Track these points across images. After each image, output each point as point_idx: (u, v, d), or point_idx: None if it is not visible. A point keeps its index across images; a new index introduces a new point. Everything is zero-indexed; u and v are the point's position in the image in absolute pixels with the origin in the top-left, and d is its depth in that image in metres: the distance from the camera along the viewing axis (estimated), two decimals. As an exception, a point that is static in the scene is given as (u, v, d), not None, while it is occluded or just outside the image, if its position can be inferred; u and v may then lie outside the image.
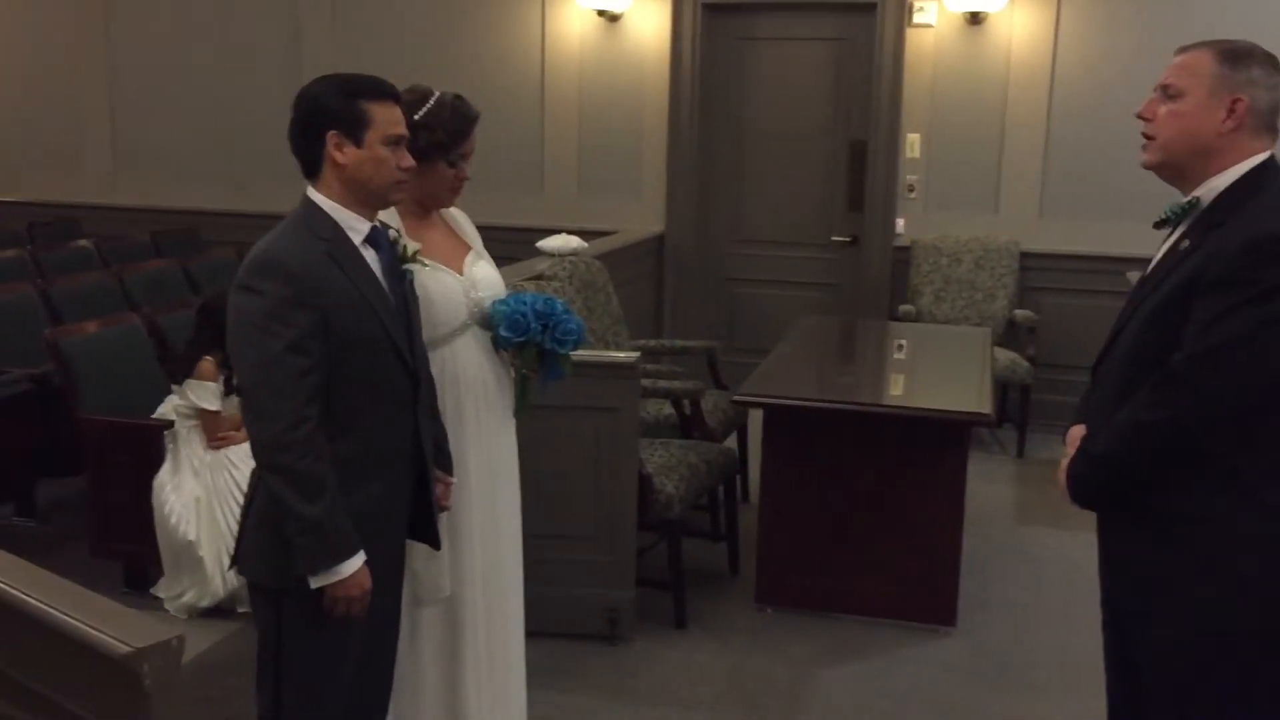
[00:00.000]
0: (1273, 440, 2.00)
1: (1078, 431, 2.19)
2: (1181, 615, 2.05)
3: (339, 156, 2.23)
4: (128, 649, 1.50)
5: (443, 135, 2.57)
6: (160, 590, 3.88)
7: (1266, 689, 2.05)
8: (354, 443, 2.25)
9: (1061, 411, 2.25)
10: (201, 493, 3.80)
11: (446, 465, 2.55)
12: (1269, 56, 2.07)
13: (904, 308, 6.21)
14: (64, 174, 7.80)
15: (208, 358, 3.88)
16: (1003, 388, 5.92)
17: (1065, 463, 2.19)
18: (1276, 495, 2.00)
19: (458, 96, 2.65)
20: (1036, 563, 4.52)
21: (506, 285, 2.77)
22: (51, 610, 1.60)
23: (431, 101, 2.60)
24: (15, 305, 4.95)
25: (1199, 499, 2.02)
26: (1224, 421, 1.98)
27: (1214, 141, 2.06)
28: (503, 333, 2.60)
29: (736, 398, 4.01)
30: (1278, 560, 2.01)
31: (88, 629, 1.55)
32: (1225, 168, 2.06)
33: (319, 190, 2.27)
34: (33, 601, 1.62)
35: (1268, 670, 2.06)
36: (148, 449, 3.88)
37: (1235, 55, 2.05)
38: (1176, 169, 2.12)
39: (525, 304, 2.61)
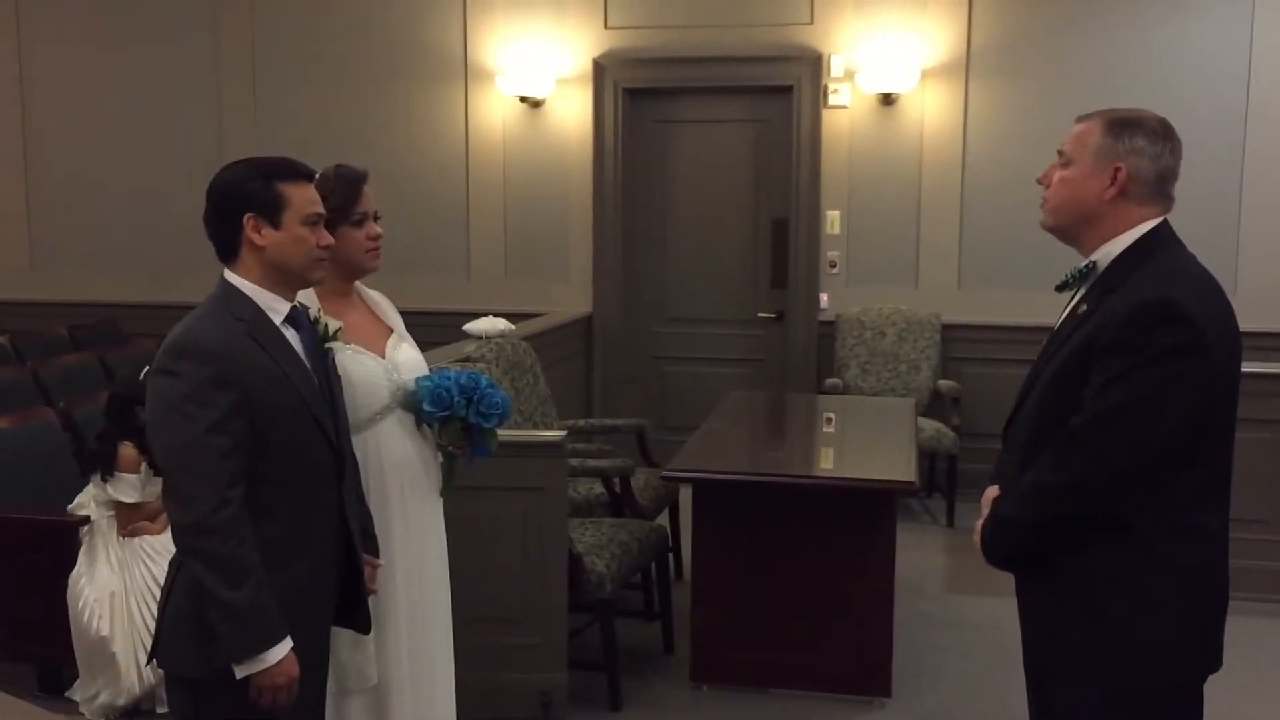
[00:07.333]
0: (1173, 499, 2.03)
1: (992, 493, 2.23)
2: (1096, 673, 2.07)
3: (257, 239, 2.23)
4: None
5: (337, 200, 2.57)
6: (75, 693, 3.73)
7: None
8: (279, 523, 2.22)
9: (987, 480, 2.29)
10: (117, 587, 3.69)
11: (372, 548, 2.51)
12: (1160, 125, 2.14)
13: (831, 381, 6.29)
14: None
15: (127, 444, 3.80)
16: (930, 458, 5.99)
17: (980, 524, 2.22)
18: (1181, 553, 2.04)
19: (339, 165, 2.67)
20: (969, 630, 4.53)
21: (432, 368, 2.76)
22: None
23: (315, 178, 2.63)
24: (-76, 403, 4.82)
25: (1105, 558, 2.05)
26: (1124, 482, 2.02)
27: (1097, 208, 2.13)
28: (426, 407, 2.59)
29: (665, 473, 4.01)
30: (1185, 616, 2.04)
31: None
32: (1115, 233, 2.12)
33: (237, 272, 2.26)
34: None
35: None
36: (61, 546, 3.77)
37: (1122, 124, 2.12)
38: (1068, 233, 2.20)
39: (449, 379, 2.60)
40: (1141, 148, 2.11)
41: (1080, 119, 2.20)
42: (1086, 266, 2.16)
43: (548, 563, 3.65)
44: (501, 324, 5.09)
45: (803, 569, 3.91)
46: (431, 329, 4.02)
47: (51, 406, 4.68)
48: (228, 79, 7.19)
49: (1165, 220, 2.14)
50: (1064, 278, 2.21)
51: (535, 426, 4.55)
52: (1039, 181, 2.23)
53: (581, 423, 5.32)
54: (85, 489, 3.90)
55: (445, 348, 4.75)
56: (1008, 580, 2.28)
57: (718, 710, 3.86)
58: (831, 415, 5.23)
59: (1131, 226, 2.12)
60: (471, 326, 5.02)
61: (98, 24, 7.35)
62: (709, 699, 3.94)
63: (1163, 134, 2.13)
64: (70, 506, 3.88)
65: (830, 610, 3.89)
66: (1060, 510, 2.07)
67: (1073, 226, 2.17)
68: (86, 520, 3.78)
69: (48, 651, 3.81)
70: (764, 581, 3.94)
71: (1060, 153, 2.18)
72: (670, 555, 4.53)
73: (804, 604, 3.91)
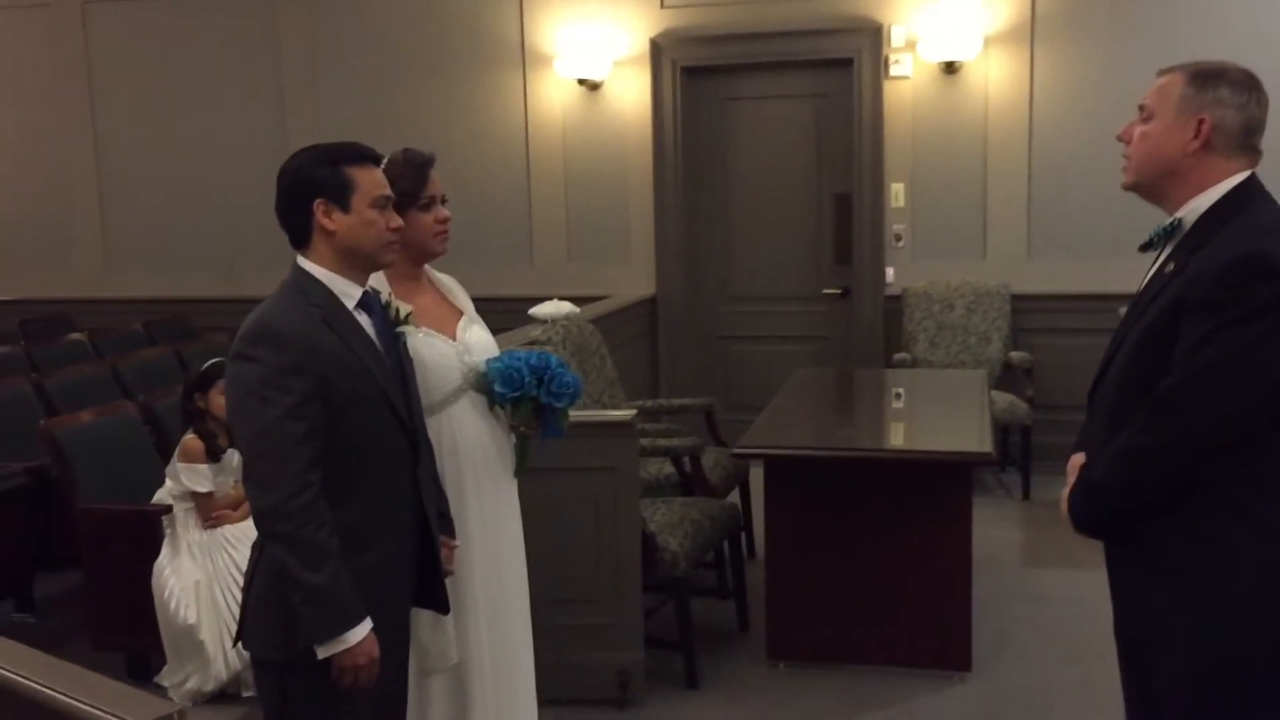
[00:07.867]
0: (1268, 460, 1.96)
1: (1078, 459, 2.17)
2: (1191, 642, 2.01)
3: (328, 223, 2.25)
4: (128, 726, 1.47)
5: (405, 185, 2.58)
6: (164, 679, 3.81)
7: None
8: (355, 507, 2.24)
9: (1063, 451, 2.23)
10: (201, 575, 3.76)
11: (449, 529, 2.52)
12: (1245, 76, 2.07)
13: (899, 355, 6.22)
14: (54, 271, 7.84)
15: (191, 435, 3.87)
16: (1004, 430, 5.90)
17: (1066, 492, 2.16)
18: (1276, 515, 1.96)
19: (406, 149, 2.68)
20: (1049, 603, 4.46)
21: (501, 350, 2.76)
22: (51, 692, 1.57)
23: (383, 162, 2.63)
24: (10, 400, 4.94)
25: (1198, 523, 1.99)
26: (1217, 444, 1.96)
27: (1182, 162, 2.06)
28: (497, 388, 2.59)
29: (736, 450, 3.99)
30: (1273, 578, 1.97)
31: (88, 708, 1.51)
32: (1201, 188, 2.05)
33: (309, 258, 2.28)
34: (31, 684, 1.59)
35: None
36: (145, 536, 3.84)
37: (1205, 76, 2.06)
38: (1151, 190, 2.13)
39: (520, 359, 2.60)
40: (1226, 98, 2.04)
41: (1162, 72, 2.13)
42: (1171, 224, 2.09)
43: (621, 542, 3.65)
44: (566, 307, 5.10)
45: (879, 544, 3.87)
46: (496, 315, 3.99)
47: (131, 400, 4.78)
48: (288, 73, 7.27)
49: (1254, 174, 2.07)
50: (1148, 237, 2.15)
51: (603, 408, 4.56)
52: (1119, 138, 2.16)
53: (649, 403, 5.31)
54: (166, 483, 3.98)
55: (511, 332, 4.77)
56: (1086, 553, 2.23)
57: (795, 687, 3.84)
58: (901, 390, 5.16)
59: (1218, 181, 2.04)
60: (537, 310, 5.03)
61: (161, 25, 7.47)
62: (786, 676, 3.92)
63: (1248, 85, 2.06)
64: (154, 500, 3.95)
65: (908, 585, 3.85)
66: (1150, 474, 2.01)
67: (1156, 182, 2.10)
68: (168, 509, 3.85)
69: (136, 640, 3.89)
70: (839, 557, 3.90)
71: (1141, 107, 2.12)
72: (742, 533, 4.51)
73: (881, 579, 3.87)
